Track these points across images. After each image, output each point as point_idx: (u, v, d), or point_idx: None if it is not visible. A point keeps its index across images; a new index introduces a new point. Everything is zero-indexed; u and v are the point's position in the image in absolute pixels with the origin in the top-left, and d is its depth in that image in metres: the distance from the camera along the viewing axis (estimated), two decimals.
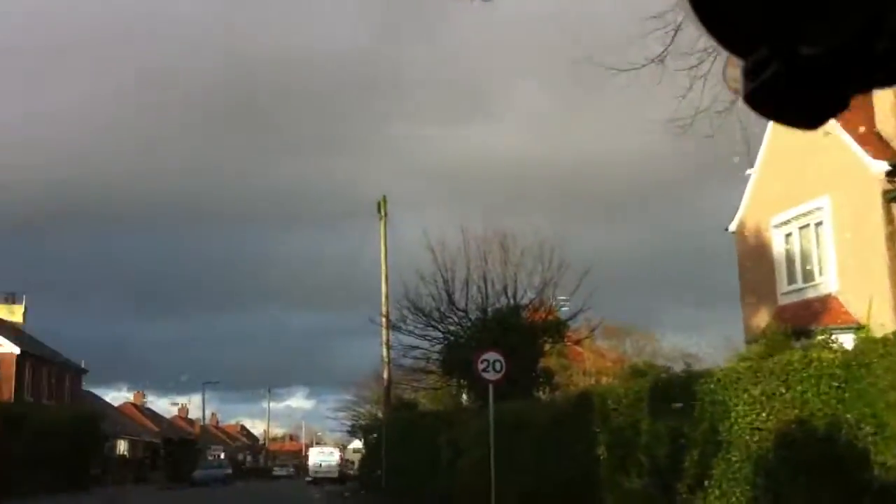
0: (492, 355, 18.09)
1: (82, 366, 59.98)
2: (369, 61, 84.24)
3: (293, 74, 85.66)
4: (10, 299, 56.44)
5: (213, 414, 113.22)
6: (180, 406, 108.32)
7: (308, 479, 60.61)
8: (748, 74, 1.24)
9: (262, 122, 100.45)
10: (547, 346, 25.93)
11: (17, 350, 45.87)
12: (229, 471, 64.53)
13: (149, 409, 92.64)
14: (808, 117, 1.29)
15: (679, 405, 12.52)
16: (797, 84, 1.22)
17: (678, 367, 18.10)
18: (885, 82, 1.25)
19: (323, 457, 60.10)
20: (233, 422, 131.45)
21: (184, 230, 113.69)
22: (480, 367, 17.86)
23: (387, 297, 34.49)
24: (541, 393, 25.04)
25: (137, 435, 71.58)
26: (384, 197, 36.07)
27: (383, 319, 33.74)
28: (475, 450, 21.01)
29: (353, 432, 45.95)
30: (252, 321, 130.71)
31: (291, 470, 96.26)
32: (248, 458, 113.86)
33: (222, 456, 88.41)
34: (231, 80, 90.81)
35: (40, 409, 40.27)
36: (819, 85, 1.22)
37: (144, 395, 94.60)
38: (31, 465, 31.95)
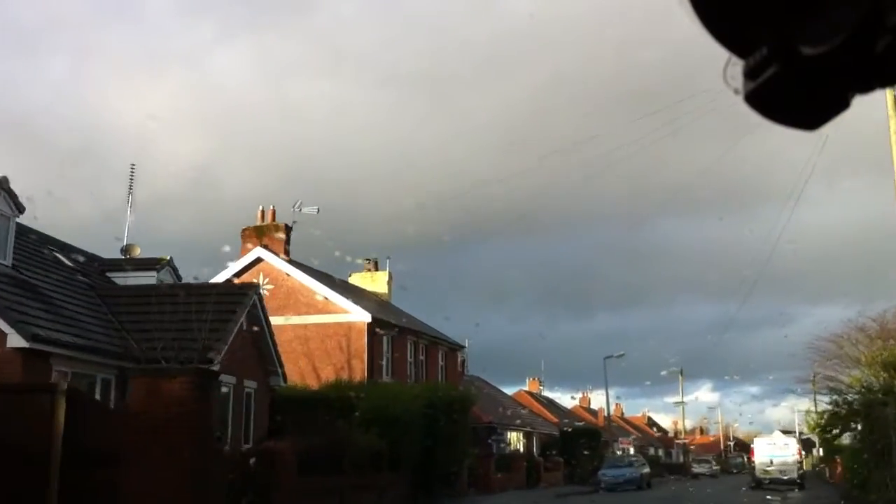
0: None
1: (464, 344, 50.19)
2: None
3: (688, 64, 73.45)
4: (373, 265, 47.92)
5: (617, 404, 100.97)
6: (581, 395, 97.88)
7: (752, 481, 45.01)
8: (748, 74, 1.24)
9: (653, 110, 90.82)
10: None
11: (367, 318, 36.38)
12: (646, 469, 50.42)
13: (545, 398, 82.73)
14: (808, 117, 1.28)
15: None
16: (797, 84, 1.21)
17: None
18: (885, 82, 1.22)
19: (774, 450, 43.62)
20: (638, 414, 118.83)
21: (574, 228, 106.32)
22: None
23: None
24: None
25: (531, 426, 60.82)
26: None
27: None
28: None
29: (834, 413, 30.28)
30: (656, 315, 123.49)
31: (715, 467, 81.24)
32: (660, 452, 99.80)
33: (631, 451, 74.77)
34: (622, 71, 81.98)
35: (385, 389, 29.78)
36: (819, 85, 1.21)
37: (541, 383, 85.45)
38: (360, 463, 20.69)
